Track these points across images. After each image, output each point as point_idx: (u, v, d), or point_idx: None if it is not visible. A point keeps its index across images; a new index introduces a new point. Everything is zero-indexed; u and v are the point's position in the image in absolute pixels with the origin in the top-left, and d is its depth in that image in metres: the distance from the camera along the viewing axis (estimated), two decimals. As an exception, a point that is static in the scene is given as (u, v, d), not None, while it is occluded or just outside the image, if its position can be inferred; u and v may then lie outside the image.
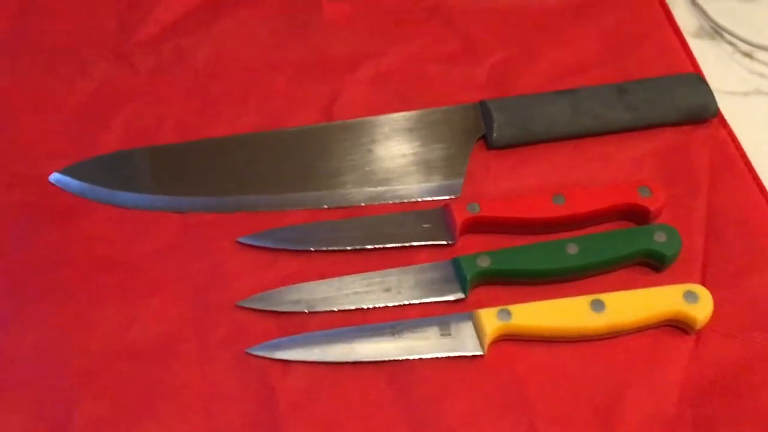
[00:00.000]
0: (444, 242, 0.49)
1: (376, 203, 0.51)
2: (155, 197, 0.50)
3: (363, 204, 0.51)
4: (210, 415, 0.43)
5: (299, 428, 0.43)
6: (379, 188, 0.51)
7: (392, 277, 0.47)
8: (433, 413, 0.44)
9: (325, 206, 0.51)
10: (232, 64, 0.56)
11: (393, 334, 0.46)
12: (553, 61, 0.57)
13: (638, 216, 0.50)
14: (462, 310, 0.46)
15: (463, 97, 0.55)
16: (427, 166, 0.52)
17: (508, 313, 0.45)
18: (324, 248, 0.48)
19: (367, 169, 0.52)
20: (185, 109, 0.54)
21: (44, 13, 0.58)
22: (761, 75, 0.59)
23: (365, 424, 0.43)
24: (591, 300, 0.46)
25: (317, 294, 0.47)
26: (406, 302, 0.47)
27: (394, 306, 0.47)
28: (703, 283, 0.47)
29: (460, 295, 0.47)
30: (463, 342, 0.45)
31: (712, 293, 0.46)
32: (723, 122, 0.54)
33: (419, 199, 0.51)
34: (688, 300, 0.45)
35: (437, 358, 0.45)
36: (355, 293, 0.47)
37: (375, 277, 0.47)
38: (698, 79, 0.55)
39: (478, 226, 0.49)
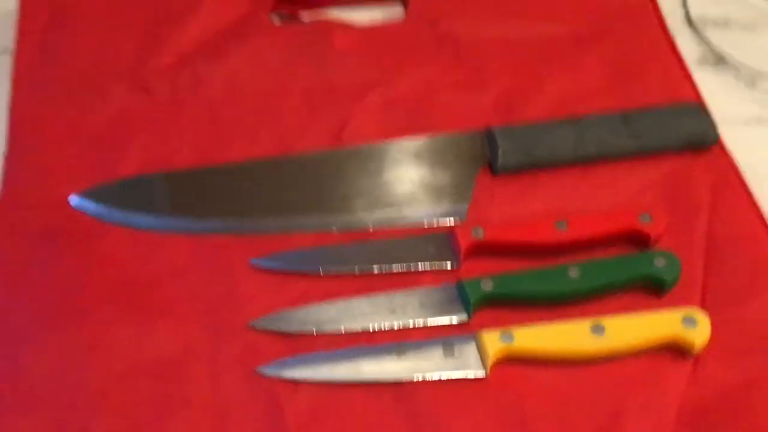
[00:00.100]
0: (449, 266, 0.50)
1: (384, 227, 0.52)
2: (170, 220, 0.52)
3: (371, 228, 0.52)
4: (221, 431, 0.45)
5: (307, 446, 0.44)
6: (387, 212, 0.53)
7: (398, 299, 0.49)
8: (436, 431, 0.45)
9: (335, 229, 0.52)
10: (245, 92, 0.58)
11: (398, 354, 0.47)
12: (557, 90, 0.58)
13: (639, 241, 0.51)
14: (465, 332, 0.47)
15: (469, 124, 0.56)
16: (433, 191, 0.53)
17: (511, 336, 0.46)
18: (332, 271, 0.50)
19: (375, 193, 0.53)
20: (200, 135, 0.56)
21: (65, 42, 0.60)
22: (763, 103, 0.60)
23: (371, 442, 0.45)
24: (591, 324, 0.47)
25: (325, 315, 0.48)
26: (411, 324, 0.48)
27: (399, 327, 0.48)
28: (703, 307, 0.48)
29: (464, 318, 0.48)
30: (466, 363, 0.46)
31: (711, 317, 0.47)
32: (724, 150, 0.55)
33: (425, 223, 0.52)
34: (687, 325, 0.46)
35: (441, 378, 0.46)
36: (362, 314, 0.48)
37: (381, 299, 0.49)
38: (700, 108, 0.56)
39: (482, 250, 0.50)
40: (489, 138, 0.55)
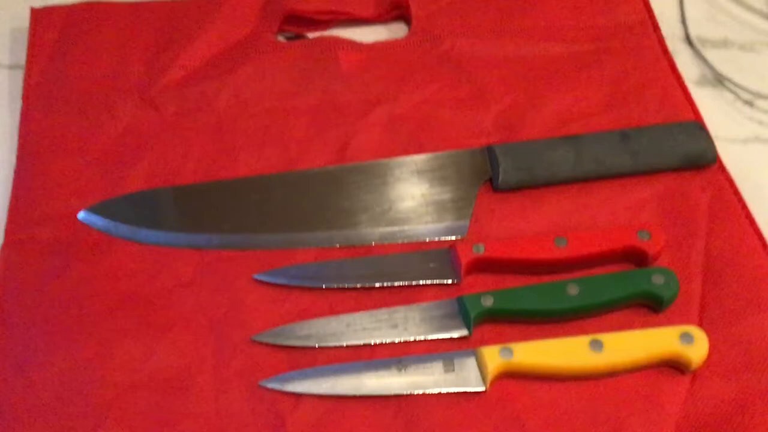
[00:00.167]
0: (450, 281, 0.51)
1: (386, 242, 0.53)
2: (175, 235, 0.53)
3: (373, 243, 0.53)
4: (223, 444, 0.45)
5: (308, 458, 0.45)
6: (389, 228, 0.54)
7: (399, 314, 0.49)
8: (436, 446, 0.45)
9: (338, 245, 0.53)
10: (252, 109, 0.59)
11: (399, 369, 0.47)
12: (558, 108, 0.59)
13: (638, 259, 0.51)
14: (466, 347, 0.48)
15: (471, 142, 0.57)
16: (435, 208, 0.54)
17: (510, 351, 0.47)
18: (335, 285, 0.51)
19: (378, 209, 0.54)
20: (207, 151, 0.57)
21: (75, 59, 0.61)
22: (761, 123, 0.60)
23: (371, 456, 0.45)
24: (590, 340, 0.47)
25: (327, 329, 0.49)
26: (412, 339, 0.49)
27: (401, 342, 0.49)
28: (700, 325, 0.49)
29: (465, 333, 0.49)
30: (466, 378, 0.47)
31: (708, 334, 0.48)
32: (722, 168, 0.56)
33: (427, 239, 0.53)
34: (684, 342, 0.47)
35: (441, 393, 0.47)
36: (364, 329, 0.49)
37: (383, 314, 0.49)
38: (698, 127, 0.57)
39: (482, 266, 0.51)
40: (490, 155, 0.55)
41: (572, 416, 0.46)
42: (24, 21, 0.63)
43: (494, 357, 0.47)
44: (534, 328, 0.49)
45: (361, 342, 0.49)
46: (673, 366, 0.48)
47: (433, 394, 0.47)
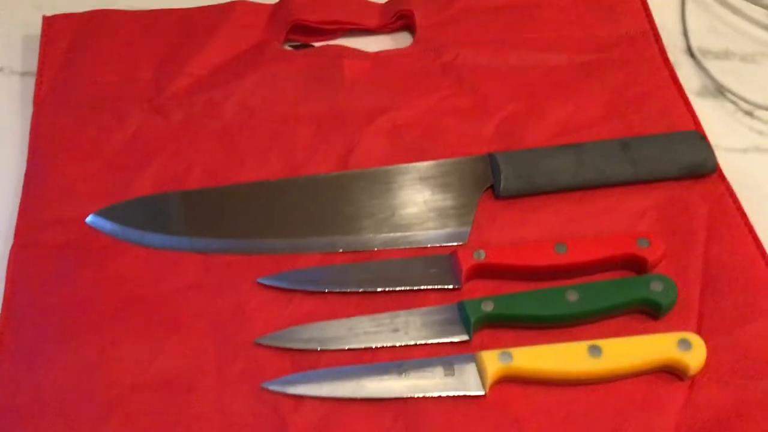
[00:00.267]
0: (450, 287, 0.51)
1: (388, 248, 0.54)
2: (181, 239, 0.54)
3: (376, 248, 0.54)
4: (225, 445, 0.46)
5: (308, 460, 0.46)
6: (392, 234, 0.54)
7: (400, 318, 0.50)
8: (435, 450, 0.46)
9: (341, 250, 0.54)
10: (258, 116, 0.60)
11: (400, 373, 0.48)
12: (559, 118, 0.59)
13: (637, 266, 0.52)
14: (466, 352, 0.49)
15: (473, 150, 0.58)
16: (437, 214, 0.55)
17: (510, 356, 0.48)
18: (337, 290, 0.51)
19: (381, 216, 0.55)
20: (213, 157, 0.58)
21: (85, 66, 0.62)
22: (760, 133, 0.61)
23: (371, 458, 0.46)
24: (589, 345, 0.48)
25: (329, 333, 0.50)
26: (413, 343, 0.49)
27: (402, 346, 0.49)
28: (699, 332, 0.49)
29: (465, 337, 0.49)
30: (466, 382, 0.47)
31: (706, 341, 0.48)
32: (722, 177, 0.56)
33: (429, 245, 0.54)
34: (682, 348, 0.48)
35: (441, 396, 0.47)
36: (365, 333, 0.50)
37: (384, 318, 0.50)
38: (698, 136, 0.57)
39: (483, 272, 0.52)
40: (492, 163, 0.56)
41: (570, 421, 0.47)
42: (36, 28, 0.64)
43: (494, 361, 0.47)
44: (533, 333, 0.50)
45: (362, 346, 0.49)
46: (671, 372, 0.48)
47: (433, 398, 0.47)
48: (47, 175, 0.57)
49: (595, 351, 0.48)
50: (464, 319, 0.49)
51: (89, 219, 0.55)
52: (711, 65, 0.64)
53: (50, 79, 0.62)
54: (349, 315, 0.50)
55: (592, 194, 0.56)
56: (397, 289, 0.51)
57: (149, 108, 0.60)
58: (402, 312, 0.50)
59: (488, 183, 0.56)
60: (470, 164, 0.57)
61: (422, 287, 0.51)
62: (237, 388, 0.48)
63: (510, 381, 0.48)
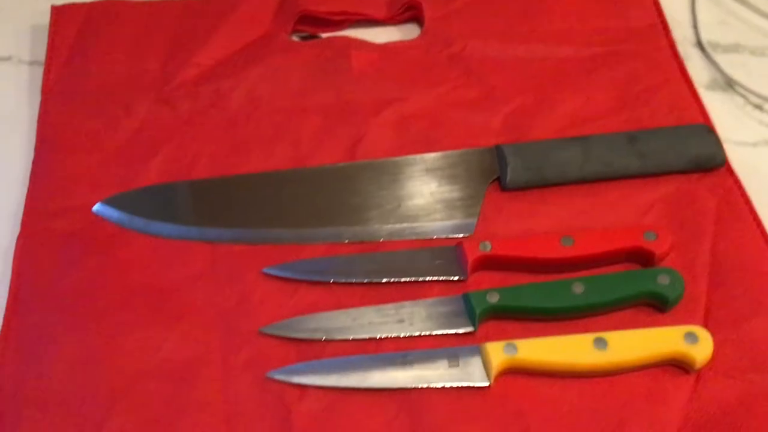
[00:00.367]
0: (456, 278, 0.51)
1: (394, 239, 0.54)
2: (187, 228, 0.54)
3: (382, 239, 0.54)
4: (230, 433, 0.46)
5: (312, 449, 0.46)
6: (398, 225, 0.54)
7: (405, 309, 0.50)
8: (440, 440, 0.46)
9: (347, 241, 0.54)
10: (264, 107, 0.60)
11: (404, 363, 0.48)
12: (566, 110, 0.59)
13: (644, 259, 0.52)
14: (471, 343, 0.49)
15: (480, 141, 0.57)
16: (443, 206, 0.55)
17: (515, 348, 0.47)
18: (342, 280, 0.51)
19: (388, 207, 0.55)
20: (220, 148, 0.58)
21: (93, 57, 0.62)
22: (771, 126, 0.61)
23: (375, 448, 0.46)
24: (594, 338, 0.48)
25: (334, 323, 0.50)
26: (418, 334, 0.49)
27: (406, 337, 0.49)
28: (705, 325, 0.49)
29: (470, 329, 0.49)
30: (470, 373, 0.47)
31: (713, 335, 0.48)
32: (730, 171, 0.56)
33: (435, 237, 0.54)
34: (689, 341, 0.47)
35: (445, 387, 0.47)
36: (370, 323, 0.50)
37: (389, 309, 0.50)
38: (707, 130, 0.57)
39: (489, 263, 0.52)
40: (499, 155, 0.56)
41: (575, 413, 0.47)
42: (44, 18, 0.64)
43: (498, 353, 0.47)
44: (539, 325, 0.50)
45: (367, 336, 0.49)
46: (677, 365, 0.48)
47: (437, 389, 0.47)
48: (54, 165, 0.57)
49: (600, 344, 0.47)
50: (469, 311, 0.49)
51: (96, 208, 0.55)
52: (721, 58, 0.64)
53: (58, 69, 0.62)
54: (354, 305, 0.50)
55: (600, 187, 0.55)
56: (403, 280, 0.51)
57: (156, 98, 0.60)
58: (407, 303, 0.50)
59: (495, 175, 0.56)
60: (477, 156, 0.56)
61: (428, 278, 0.51)
62: (242, 377, 0.48)
63: (515, 373, 0.48)
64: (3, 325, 0.50)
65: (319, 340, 0.49)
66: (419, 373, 0.48)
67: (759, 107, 0.62)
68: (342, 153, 0.58)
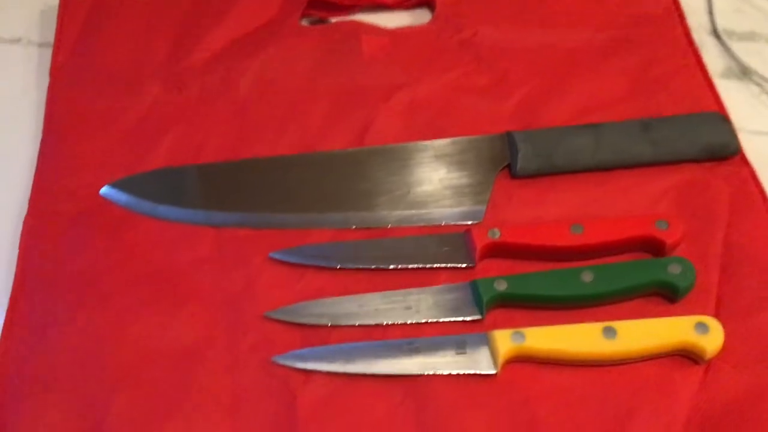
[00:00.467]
0: (464, 265, 0.51)
1: (403, 225, 0.53)
2: (194, 212, 0.53)
3: (390, 225, 0.53)
4: (234, 417, 0.46)
5: (316, 434, 0.45)
6: (406, 212, 0.54)
7: (412, 296, 0.50)
8: (445, 428, 0.46)
9: (354, 227, 0.53)
10: (273, 91, 0.59)
11: (411, 350, 0.48)
12: (579, 97, 0.58)
13: (655, 248, 0.51)
14: (478, 331, 0.48)
15: (490, 128, 0.57)
16: (452, 192, 0.54)
17: (522, 336, 0.47)
18: (349, 266, 0.51)
19: (397, 192, 0.54)
20: (228, 132, 0.58)
21: (102, 38, 0.62)
22: (786, 116, 0.60)
23: (379, 435, 0.45)
24: (603, 327, 0.47)
25: (341, 309, 0.49)
26: (425, 321, 0.49)
27: (413, 324, 0.49)
28: (717, 316, 0.48)
29: (477, 316, 0.49)
30: (477, 361, 0.47)
31: (724, 326, 0.47)
32: (745, 161, 0.55)
33: (443, 223, 0.53)
34: (699, 331, 0.47)
35: (452, 375, 0.47)
36: (377, 310, 0.49)
37: (396, 296, 0.50)
38: (721, 118, 0.56)
39: (497, 251, 0.51)
40: (509, 141, 0.55)
41: (583, 403, 0.46)
42: (54, 0, 0.64)
43: (506, 341, 0.47)
44: (547, 314, 0.49)
45: (373, 322, 0.49)
46: (687, 356, 0.47)
47: (443, 376, 0.47)
48: (62, 147, 0.57)
49: (609, 332, 0.47)
50: (477, 298, 0.49)
51: (103, 190, 0.55)
52: (736, 47, 0.63)
53: (67, 51, 0.62)
54: (361, 291, 0.50)
55: (611, 175, 0.55)
56: (410, 266, 0.51)
57: (165, 81, 0.60)
58: (414, 289, 0.50)
59: (505, 162, 0.55)
60: (487, 142, 0.56)
61: (435, 265, 0.51)
62: (247, 361, 0.48)
63: (522, 361, 0.47)
64: (9, 306, 0.50)
65: (325, 326, 0.49)
66: (426, 360, 0.47)
67: (775, 96, 0.61)
68: (351, 138, 0.57)
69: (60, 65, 0.61)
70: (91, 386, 0.47)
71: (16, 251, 0.52)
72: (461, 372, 0.47)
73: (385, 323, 0.49)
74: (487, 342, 0.47)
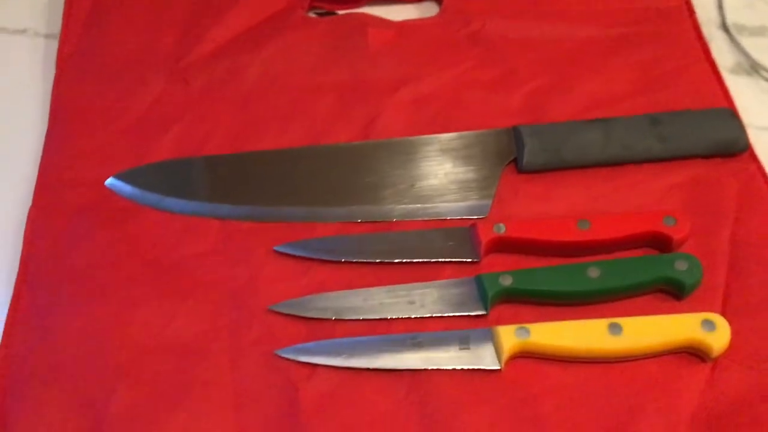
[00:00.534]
0: (469, 260, 0.51)
1: (408, 219, 0.53)
2: (199, 204, 0.53)
3: (395, 219, 0.53)
4: (237, 410, 0.46)
5: (320, 428, 0.45)
6: (412, 206, 0.53)
7: (417, 290, 0.49)
8: (448, 423, 0.45)
9: (359, 220, 0.53)
10: (279, 84, 0.59)
11: (414, 345, 0.47)
12: (587, 92, 0.58)
13: (662, 244, 0.51)
14: (482, 326, 0.48)
15: (497, 122, 0.56)
16: (458, 187, 0.54)
17: (527, 331, 0.47)
18: (354, 260, 0.51)
19: (402, 186, 0.54)
20: (233, 125, 0.57)
21: (108, 30, 0.62)
22: (796, 112, 0.59)
23: (382, 429, 0.45)
24: (609, 323, 0.47)
25: (345, 303, 0.49)
26: (429, 315, 0.49)
27: (417, 318, 0.49)
28: (723, 313, 0.48)
29: (482, 312, 0.48)
30: (481, 356, 0.47)
31: (731, 323, 0.47)
32: (754, 157, 0.55)
33: (449, 218, 0.53)
34: (706, 329, 0.46)
35: (456, 370, 0.47)
36: (381, 304, 0.49)
37: (400, 290, 0.49)
38: (730, 114, 0.56)
39: (503, 246, 0.51)
40: (516, 136, 0.55)
41: (587, 399, 0.46)
42: (60, -9, 0.64)
43: (510, 336, 0.47)
44: (552, 310, 0.49)
45: (377, 316, 0.49)
46: (694, 353, 0.47)
47: (447, 371, 0.47)
48: (67, 138, 0.57)
49: (615, 329, 0.47)
50: (482, 293, 0.49)
51: (108, 182, 0.54)
52: (746, 42, 0.62)
53: (73, 42, 0.61)
54: (365, 285, 0.50)
55: (619, 170, 0.54)
56: (415, 260, 0.51)
57: (171, 73, 0.60)
58: (419, 284, 0.50)
59: (512, 156, 0.55)
60: (494, 137, 0.55)
61: (440, 260, 0.51)
62: (250, 354, 0.48)
63: (526, 357, 0.47)
64: (13, 295, 0.50)
65: (329, 320, 0.49)
66: (429, 355, 0.47)
67: (785, 92, 0.60)
68: (357, 131, 0.57)
69: (66, 56, 0.60)
70: (93, 378, 0.47)
71: (21, 242, 0.52)
72: (465, 367, 0.46)
73: (389, 317, 0.49)
74: (492, 337, 0.47)
